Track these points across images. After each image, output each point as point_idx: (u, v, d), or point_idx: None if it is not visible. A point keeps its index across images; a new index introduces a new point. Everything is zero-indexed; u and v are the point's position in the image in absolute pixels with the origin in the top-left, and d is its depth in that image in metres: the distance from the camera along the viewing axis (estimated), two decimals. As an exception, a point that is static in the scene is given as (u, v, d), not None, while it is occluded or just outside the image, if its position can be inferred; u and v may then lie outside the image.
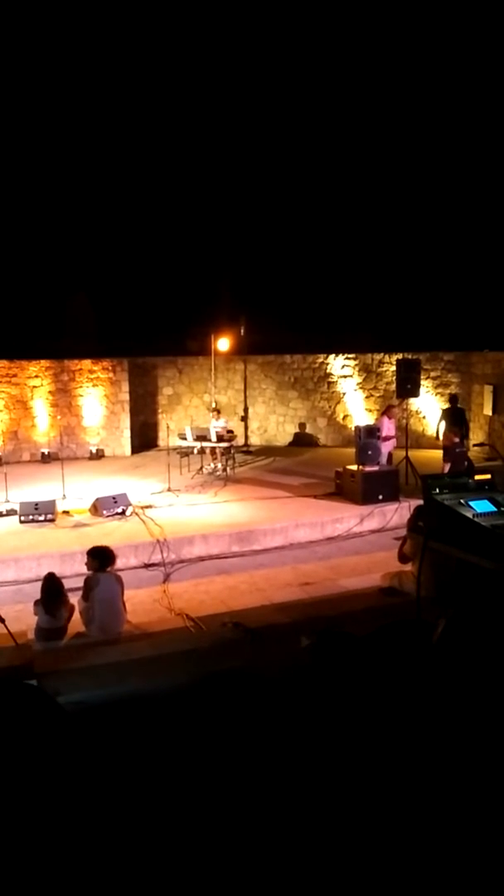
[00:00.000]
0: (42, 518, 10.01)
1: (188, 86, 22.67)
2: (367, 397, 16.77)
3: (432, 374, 16.17)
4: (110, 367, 16.16)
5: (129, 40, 21.64)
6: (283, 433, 17.35)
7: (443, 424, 13.10)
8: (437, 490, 4.65)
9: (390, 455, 12.36)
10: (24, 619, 6.07)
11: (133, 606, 6.73)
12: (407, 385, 12.76)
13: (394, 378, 13.98)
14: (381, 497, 10.82)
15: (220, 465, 13.35)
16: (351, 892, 2.08)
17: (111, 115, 21.89)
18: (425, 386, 15.41)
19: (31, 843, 2.20)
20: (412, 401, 14.78)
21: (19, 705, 2.63)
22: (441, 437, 12.77)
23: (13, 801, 2.26)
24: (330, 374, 17.00)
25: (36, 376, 15.69)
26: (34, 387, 15.66)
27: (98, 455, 15.73)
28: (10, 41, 20.28)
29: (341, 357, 16.91)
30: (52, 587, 6.06)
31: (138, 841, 2.33)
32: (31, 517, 9.99)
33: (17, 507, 10.26)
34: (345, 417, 16.87)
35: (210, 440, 13.19)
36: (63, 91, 21.38)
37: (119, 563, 7.20)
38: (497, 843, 2.22)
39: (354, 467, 11.17)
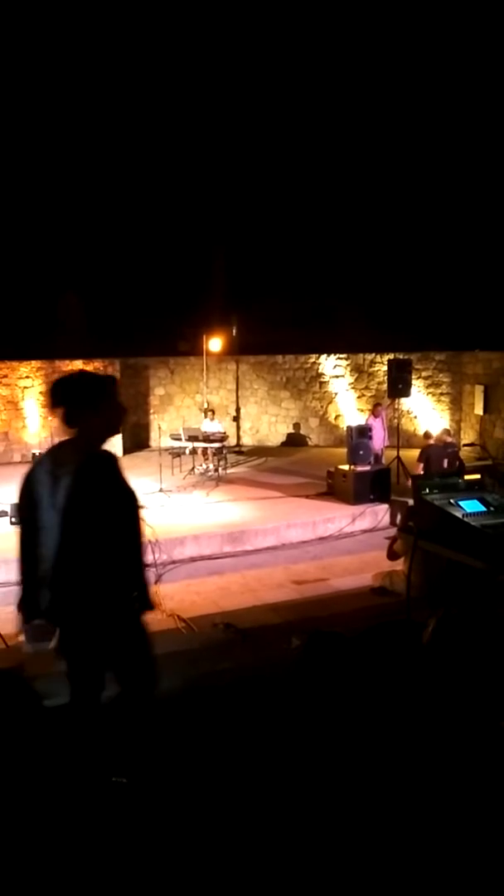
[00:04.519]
0: (33, 519, 9.96)
1: (182, 82, 22.62)
2: (358, 397, 16.80)
3: (423, 373, 16.22)
4: (102, 368, 16.10)
5: (118, 39, 21.58)
6: (275, 433, 17.35)
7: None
8: (427, 490, 4.66)
9: (378, 454, 12.34)
10: (14, 621, 6.04)
11: (124, 607, 6.71)
12: (398, 385, 12.79)
13: (385, 378, 14.01)
14: (372, 497, 10.84)
15: (211, 466, 13.33)
16: (348, 887, 2.08)
17: (103, 116, 21.82)
18: (417, 386, 15.46)
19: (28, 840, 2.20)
20: (403, 400, 14.82)
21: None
22: None
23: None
24: (322, 374, 17.02)
25: (27, 377, 15.63)
26: (25, 387, 15.60)
27: (89, 456, 15.66)
28: (2, 37, 20.16)
29: (333, 357, 16.94)
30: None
31: (135, 842, 2.32)
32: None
33: (7, 509, 10.21)
34: (336, 417, 16.90)
35: (201, 440, 13.17)
36: (52, 90, 21.29)
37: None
38: (490, 836, 2.23)
39: (346, 467, 11.18)
